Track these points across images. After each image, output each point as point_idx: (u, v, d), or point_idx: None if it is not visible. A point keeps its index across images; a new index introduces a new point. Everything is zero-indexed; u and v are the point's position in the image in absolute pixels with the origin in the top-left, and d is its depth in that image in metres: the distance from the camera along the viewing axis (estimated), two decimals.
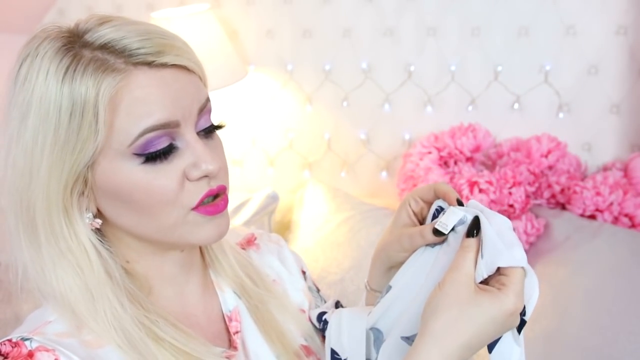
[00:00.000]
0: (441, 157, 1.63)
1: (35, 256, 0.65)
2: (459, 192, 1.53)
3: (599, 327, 1.33)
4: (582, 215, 1.55)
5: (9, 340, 0.61)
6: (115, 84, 0.60)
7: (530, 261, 1.50)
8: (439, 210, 0.70)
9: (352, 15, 1.83)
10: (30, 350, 0.60)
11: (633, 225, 1.53)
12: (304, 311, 0.85)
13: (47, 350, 0.60)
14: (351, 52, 1.85)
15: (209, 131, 0.67)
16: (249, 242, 0.87)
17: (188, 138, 0.64)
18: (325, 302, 0.90)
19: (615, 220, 1.54)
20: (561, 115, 1.70)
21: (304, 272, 0.89)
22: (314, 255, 1.65)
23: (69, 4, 2.12)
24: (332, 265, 1.61)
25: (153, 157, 0.62)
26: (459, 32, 1.74)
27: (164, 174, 0.63)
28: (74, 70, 0.60)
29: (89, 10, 2.09)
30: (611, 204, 1.52)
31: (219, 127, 0.69)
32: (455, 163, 1.64)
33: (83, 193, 0.64)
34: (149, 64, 0.62)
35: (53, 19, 2.15)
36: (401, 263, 0.72)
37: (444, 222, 0.66)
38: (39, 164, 0.61)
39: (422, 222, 0.73)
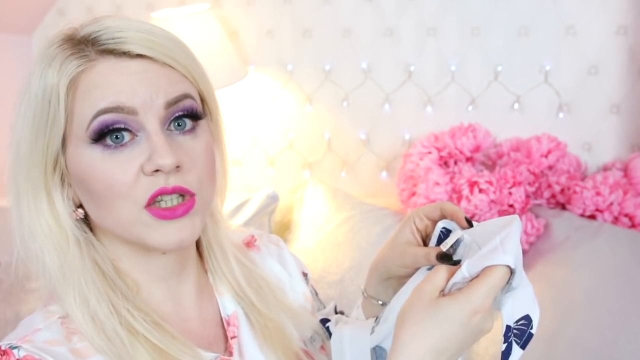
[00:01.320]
0: (441, 157, 1.63)
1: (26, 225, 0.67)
2: (459, 192, 1.53)
3: (599, 327, 1.33)
4: (582, 215, 1.55)
5: None
6: (74, 69, 0.62)
7: (530, 261, 1.51)
8: (445, 233, 0.69)
9: (352, 15, 1.83)
10: (18, 359, 0.60)
11: (633, 225, 1.53)
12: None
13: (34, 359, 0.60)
14: (351, 52, 1.85)
15: (188, 131, 0.65)
16: (248, 244, 0.85)
17: (148, 129, 0.63)
18: (324, 305, 0.89)
19: (615, 220, 1.53)
20: (561, 115, 1.70)
21: (305, 275, 0.88)
22: (314, 255, 1.65)
23: (69, 4, 2.12)
24: (332, 265, 1.61)
25: (110, 144, 0.62)
26: (459, 32, 1.74)
27: (120, 165, 0.62)
28: (50, 60, 0.63)
29: (89, 10, 2.08)
30: (611, 204, 1.52)
31: (194, 116, 0.66)
32: (455, 163, 1.64)
33: (64, 180, 0.66)
34: (112, 52, 0.63)
35: (53, 19, 2.15)
36: (400, 276, 0.73)
37: (448, 245, 0.66)
38: (22, 146, 0.65)
39: (425, 240, 0.73)
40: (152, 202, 0.63)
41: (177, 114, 0.64)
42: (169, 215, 0.63)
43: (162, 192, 0.62)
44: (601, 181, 1.53)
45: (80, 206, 0.67)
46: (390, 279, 0.75)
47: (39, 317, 0.66)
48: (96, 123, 0.61)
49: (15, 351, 0.60)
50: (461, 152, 1.61)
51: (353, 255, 1.60)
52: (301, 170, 1.96)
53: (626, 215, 1.53)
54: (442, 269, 0.62)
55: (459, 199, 1.52)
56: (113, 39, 0.63)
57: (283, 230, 1.85)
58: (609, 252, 1.42)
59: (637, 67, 1.62)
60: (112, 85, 0.62)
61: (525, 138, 1.67)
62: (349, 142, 1.90)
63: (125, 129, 0.62)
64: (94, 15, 0.67)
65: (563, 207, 1.61)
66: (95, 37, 0.63)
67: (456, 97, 1.77)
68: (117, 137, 0.62)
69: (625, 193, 1.53)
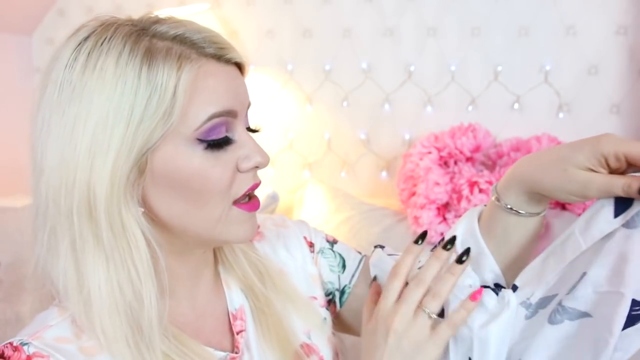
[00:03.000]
0: (441, 157, 1.63)
1: (78, 246, 0.62)
2: (459, 192, 1.53)
3: None
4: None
5: (10, 344, 0.62)
6: (193, 72, 0.63)
7: (530, 261, 1.51)
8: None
9: (352, 15, 1.83)
10: (28, 356, 0.61)
11: None
12: (315, 298, 0.84)
13: (42, 357, 0.61)
14: (351, 52, 1.85)
15: (247, 130, 0.71)
16: None
17: (240, 131, 0.68)
18: (342, 258, 0.87)
19: None
20: (561, 115, 1.70)
21: (309, 242, 0.87)
22: None
23: (69, 4, 2.12)
24: None
25: (213, 144, 0.64)
26: (459, 32, 1.75)
27: (221, 163, 0.65)
28: (153, 56, 0.61)
29: (89, 10, 2.09)
30: None
31: (254, 130, 0.73)
32: (455, 163, 1.64)
33: (134, 181, 0.63)
34: (218, 58, 0.66)
35: (53, 19, 2.15)
36: (550, 197, 0.67)
37: None
38: (108, 144, 0.60)
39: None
40: (242, 198, 0.68)
41: (247, 117, 0.71)
42: (252, 208, 0.69)
43: (255, 187, 0.69)
44: None
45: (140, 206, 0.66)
46: (536, 194, 0.69)
47: (53, 313, 0.66)
48: (209, 125, 0.63)
49: (25, 347, 0.61)
50: (461, 152, 1.61)
51: None
52: (301, 170, 1.96)
53: None
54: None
55: (459, 199, 1.52)
56: (215, 44, 0.66)
57: None
58: None
59: (637, 67, 1.62)
60: (222, 90, 0.65)
61: (525, 138, 1.67)
62: (349, 142, 1.90)
63: (227, 131, 0.66)
64: (120, 13, 0.67)
65: (563, 207, 1.61)
66: (197, 40, 0.65)
67: (456, 97, 1.77)
68: (219, 141, 0.65)
69: None
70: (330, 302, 0.86)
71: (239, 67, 0.70)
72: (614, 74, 1.64)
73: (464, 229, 0.73)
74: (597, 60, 1.65)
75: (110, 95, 0.60)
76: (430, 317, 0.65)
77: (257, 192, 0.69)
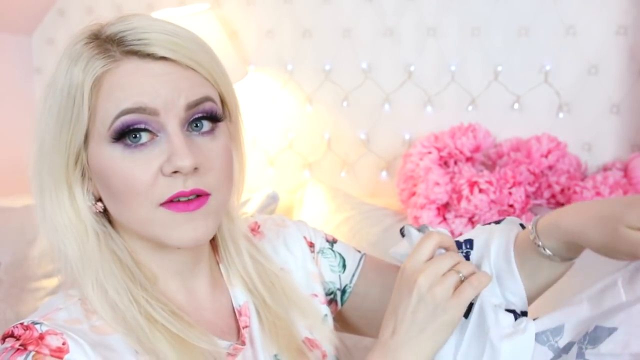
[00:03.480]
0: (441, 157, 1.63)
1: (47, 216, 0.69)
2: (459, 192, 1.53)
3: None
4: None
5: (21, 324, 0.63)
6: (100, 69, 0.63)
7: None
8: None
9: (352, 15, 1.83)
10: (41, 334, 0.62)
11: None
12: (316, 295, 0.84)
13: (56, 334, 0.62)
14: (351, 52, 1.85)
15: (207, 132, 0.67)
16: (252, 231, 0.86)
17: (169, 130, 0.64)
18: (343, 258, 0.88)
19: None
20: (561, 115, 1.70)
21: (309, 242, 0.87)
22: None
23: (69, 4, 2.12)
24: None
25: (131, 144, 0.64)
26: (459, 32, 1.75)
27: (140, 164, 0.64)
28: (77, 57, 0.64)
29: (89, 10, 2.08)
30: None
31: (214, 119, 0.67)
32: (455, 163, 1.64)
33: (84, 174, 0.68)
34: (137, 54, 0.64)
35: (53, 19, 2.15)
36: (593, 249, 0.66)
37: None
38: (46, 140, 0.66)
39: None
40: (168, 202, 0.65)
41: (196, 116, 0.66)
42: (183, 208, 0.64)
43: (180, 195, 0.64)
44: (601, 181, 1.53)
45: (100, 200, 0.69)
46: (578, 245, 0.68)
47: (59, 299, 0.68)
48: (118, 122, 0.63)
49: (37, 326, 0.62)
50: (461, 152, 1.61)
51: None
52: (301, 170, 1.96)
53: None
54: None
55: (459, 199, 1.53)
56: (138, 40, 0.64)
57: None
58: None
59: (637, 67, 1.62)
60: (135, 86, 0.63)
61: (525, 138, 1.67)
62: (349, 142, 1.90)
63: (146, 129, 0.64)
64: (121, 14, 0.68)
65: (563, 207, 1.61)
66: (120, 38, 0.65)
67: (456, 97, 1.77)
68: (135, 137, 0.64)
69: (625, 193, 1.53)
70: (332, 301, 0.86)
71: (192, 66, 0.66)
72: (614, 74, 1.64)
73: (498, 247, 0.72)
74: (597, 60, 1.65)
75: (52, 94, 0.66)
76: (460, 279, 0.65)
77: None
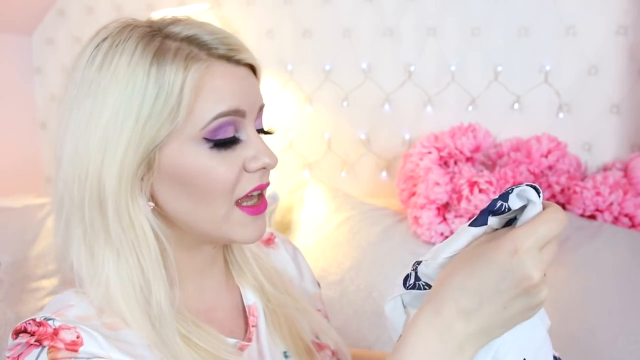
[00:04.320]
0: (441, 157, 1.63)
1: (89, 236, 0.66)
2: (459, 192, 1.53)
3: (599, 327, 1.33)
4: (582, 215, 1.55)
5: (33, 320, 0.63)
6: (200, 72, 0.64)
7: None
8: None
9: (352, 15, 1.83)
10: (55, 329, 0.62)
11: (633, 225, 1.53)
12: (319, 310, 0.89)
13: (69, 328, 0.62)
14: (351, 52, 1.85)
15: (260, 132, 0.73)
16: (268, 241, 0.91)
17: (249, 132, 0.69)
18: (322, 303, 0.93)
19: (615, 220, 1.53)
20: (561, 115, 1.70)
21: (318, 284, 0.93)
22: (314, 255, 1.65)
23: (69, 4, 2.12)
24: (332, 265, 1.61)
25: (220, 144, 0.66)
26: (459, 32, 1.75)
27: (227, 162, 0.66)
28: (162, 56, 0.64)
29: (89, 10, 2.09)
30: (611, 204, 1.52)
31: (268, 132, 0.74)
32: (455, 163, 1.64)
33: (143, 177, 0.66)
34: (228, 59, 0.67)
35: (53, 19, 2.15)
36: None
37: None
38: (117, 140, 0.63)
39: None
40: (244, 198, 0.68)
41: (259, 119, 0.71)
42: (256, 211, 0.69)
43: (261, 187, 0.69)
44: (601, 181, 1.53)
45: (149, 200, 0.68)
46: None
47: (70, 295, 0.68)
48: (215, 124, 0.65)
49: (50, 322, 0.63)
50: (461, 152, 1.61)
51: (353, 255, 1.60)
52: (301, 170, 1.96)
53: (626, 215, 1.53)
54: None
55: (459, 199, 1.53)
56: (226, 45, 0.67)
57: (283, 230, 1.85)
58: (609, 252, 1.42)
59: (637, 67, 1.62)
60: (230, 90, 0.66)
61: (525, 138, 1.67)
62: (349, 142, 1.90)
63: (234, 130, 0.67)
64: (120, 13, 0.70)
65: (563, 207, 1.61)
66: (207, 41, 0.66)
67: (456, 97, 1.77)
68: (226, 141, 0.66)
69: (625, 193, 1.53)
70: None
71: (253, 69, 0.71)
72: (614, 74, 1.64)
73: None
74: (597, 60, 1.65)
75: (121, 92, 0.63)
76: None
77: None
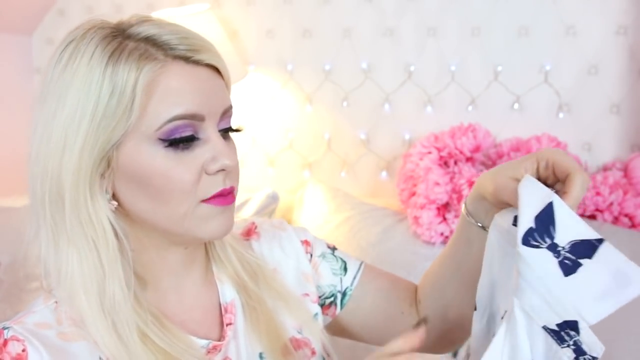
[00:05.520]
0: (441, 157, 1.63)
1: (53, 231, 0.67)
2: (459, 192, 1.53)
3: (599, 327, 1.32)
4: (582, 215, 1.55)
5: None
6: (154, 71, 0.64)
7: None
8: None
9: (352, 15, 1.83)
10: (5, 340, 0.64)
11: (633, 225, 1.53)
12: (307, 295, 0.86)
13: (18, 340, 0.63)
14: (351, 52, 1.85)
15: (226, 132, 0.72)
16: (249, 231, 0.89)
17: (209, 133, 0.68)
18: (343, 262, 0.90)
19: (615, 220, 1.53)
20: (561, 115, 1.70)
21: (307, 243, 0.89)
22: None
23: (69, 4, 2.12)
24: None
25: (175, 144, 0.66)
26: (459, 32, 1.75)
27: (184, 164, 0.66)
28: (118, 56, 0.65)
29: (89, 10, 2.08)
30: (611, 204, 1.52)
31: (237, 130, 0.73)
32: (455, 163, 1.64)
33: (104, 174, 0.67)
34: (186, 59, 0.67)
35: (53, 19, 2.15)
36: (492, 202, 0.70)
37: None
38: (75, 138, 0.65)
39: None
40: (211, 198, 0.68)
41: (225, 120, 0.70)
42: (223, 202, 0.69)
43: (223, 193, 0.68)
44: (601, 181, 1.53)
45: (111, 199, 0.69)
46: (484, 200, 0.72)
47: (38, 301, 0.70)
48: (170, 126, 0.65)
49: (5, 332, 0.64)
50: (461, 152, 1.61)
51: (353, 255, 1.60)
52: (301, 170, 1.96)
53: (626, 215, 1.53)
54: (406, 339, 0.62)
55: (459, 199, 1.52)
56: (185, 46, 0.67)
57: None
58: None
59: (637, 67, 1.62)
60: (187, 92, 0.66)
61: (525, 138, 1.67)
62: (349, 142, 1.90)
63: (193, 132, 0.67)
64: (121, 13, 0.70)
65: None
66: (165, 41, 0.66)
67: (456, 97, 1.77)
68: (183, 139, 0.66)
69: (625, 193, 1.53)
70: (331, 304, 0.87)
71: (219, 70, 0.70)
72: (614, 74, 1.64)
73: None
74: (597, 60, 1.65)
75: (79, 92, 0.64)
76: None
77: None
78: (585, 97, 1.67)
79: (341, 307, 0.88)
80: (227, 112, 0.71)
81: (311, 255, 0.89)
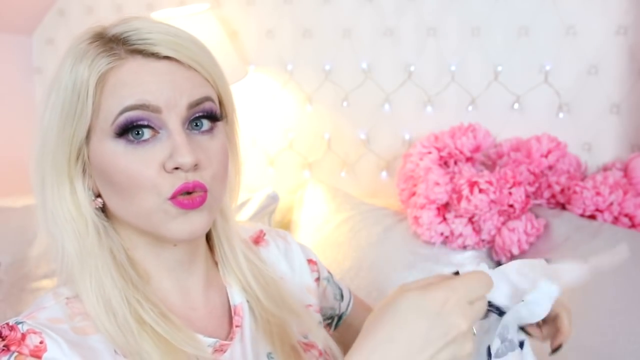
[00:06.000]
0: (441, 157, 1.63)
1: (50, 223, 0.71)
2: (459, 192, 1.53)
3: (599, 327, 1.33)
4: (582, 215, 1.55)
5: (7, 324, 0.66)
6: (105, 66, 0.66)
7: None
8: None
9: (352, 15, 1.83)
10: (22, 334, 0.64)
11: (633, 225, 1.53)
12: (310, 305, 0.87)
13: (35, 333, 0.64)
14: (351, 52, 1.85)
15: (206, 131, 0.69)
16: (257, 239, 0.89)
17: (171, 128, 0.66)
18: (340, 290, 0.95)
19: (615, 220, 1.53)
20: (561, 115, 1.70)
21: (313, 262, 0.92)
22: None
23: (69, 4, 2.12)
24: (332, 265, 1.61)
25: (133, 140, 0.66)
26: (459, 32, 1.75)
27: (142, 159, 0.66)
28: (82, 55, 0.67)
29: (89, 10, 2.08)
30: (611, 204, 1.52)
31: (212, 118, 0.70)
32: (455, 163, 1.64)
33: (85, 170, 0.69)
34: (141, 53, 0.67)
35: (53, 19, 2.15)
36: None
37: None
38: (50, 135, 0.68)
39: None
40: (176, 195, 0.66)
41: (197, 115, 0.68)
42: (189, 204, 0.66)
43: (185, 188, 0.66)
44: (601, 181, 1.53)
45: (99, 196, 0.71)
46: None
47: (47, 298, 0.70)
48: (122, 118, 0.65)
49: (20, 326, 0.65)
50: (461, 152, 1.61)
51: (353, 255, 1.60)
52: (301, 170, 1.96)
53: (626, 215, 1.53)
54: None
55: (459, 199, 1.53)
56: (142, 39, 0.67)
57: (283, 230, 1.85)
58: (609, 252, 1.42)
59: (637, 67, 1.62)
60: (139, 84, 0.66)
61: (525, 138, 1.67)
62: (349, 142, 1.90)
63: (148, 126, 0.66)
64: (122, 16, 0.71)
65: (563, 207, 1.61)
66: (125, 37, 0.67)
67: (456, 97, 1.77)
68: (138, 133, 0.66)
69: (625, 193, 1.53)
70: (327, 325, 0.92)
71: (191, 65, 0.68)
72: (614, 74, 1.64)
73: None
74: (597, 60, 1.65)
75: (56, 91, 0.68)
76: None
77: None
78: (585, 97, 1.67)
79: (334, 329, 0.94)
80: (198, 106, 0.68)
81: (318, 276, 0.91)
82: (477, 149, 1.63)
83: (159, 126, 0.66)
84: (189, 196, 0.66)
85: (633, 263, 1.40)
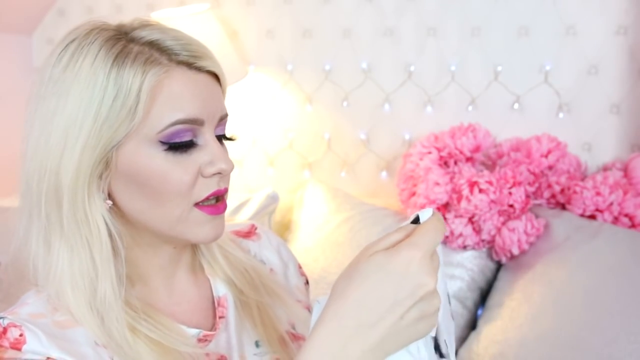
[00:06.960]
0: (441, 157, 1.63)
1: (46, 230, 0.69)
2: (459, 192, 1.53)
3: (599, 327, 1.33)
4: (582, 215, 1.55)
5: None
6: (158, 76, 0.66)
7: (530, 261, 1.51)
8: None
9: (352, 15, 1.83)
10: (4, 328, 0.65)
11: (633, 225, 1.53)
12: (300, 301, 0.88)
13: (15, 326, 0.65)
14: (351, 52, 1.85)
15: (221, 139, 0.73)
16: (249, 233, 0.91)
17: (207, 137, 0.70)
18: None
19: (615, 220, 1.53)
20: (561, 115, 1.70)
21: (302, 270, 0.93)
22: (314, 255, 1.65)
23: (69, 4, 2.12)
24: (332, 265, 1.61)
25: (175, 147, 0.67)
26: (459, 32, 1.75)
27: (182, 166, 0.68)
28: (124, 59, 0.66)
29: (89, 10, 2.09)
30: (611, 204, 1.52)
31: (230, 139, 0.75)
32: (455, 163, 1.64)
33: (102, 175, 0.68)
34: (189, 65, 0.69)
35: (53, 19, 2.15)
36: None
37: None
38: (76, 138, 0.66)
39: None
40: (205, 201, 0.70)
41: (221, 126, 0.72)
42: (215, 211, 0.70)
43: (218, 193, 0.70)
44: (601, 181, 1.53)
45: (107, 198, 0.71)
46: None
47: (30, 294, 0.72)
48: (172, 129, 0.67)
49: (1, 320, 0.65)
50: (461, 152, 1.61)
51: (353, 255, 1.59)
52: (301, 170, 1.96)
53: (626, 215, 1.53)
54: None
55: (459, 199, 1.53)
56: (188, 52, 0.69)
57: (283, 230, 1.85)
58: (609, 252, 1.42)
59: (637, 67, 1.62)
60: (189, 98, 0.68)
61: (525, 138, 1.67)
62: (349, 142, 1.90)
63: (192, 136, 0.69)
64: (140, 17, 0.71)
65: (563, 207, 1.61)
66: (169, 46, 0.68)
67: (456, 97, 1.77)
68: (183, 143, 0.68)
69: (625, 193, 1.53)
70: None
71: (217, 77, 0.72)
72: (614, 74, 1.64)
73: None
74: (597, 60, 1.65)
75: (82, 92, 0.65)
76: None
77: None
78: (585, 97, 1.67)
79: None
80: (223, 119, 0.72)
81: (306, 281, 0.94)
82: (477, 149, 1.63)
83: (198, 137, 0.69)
84: (215, 204, 0.70)
85: (633, 263, 1.40)
